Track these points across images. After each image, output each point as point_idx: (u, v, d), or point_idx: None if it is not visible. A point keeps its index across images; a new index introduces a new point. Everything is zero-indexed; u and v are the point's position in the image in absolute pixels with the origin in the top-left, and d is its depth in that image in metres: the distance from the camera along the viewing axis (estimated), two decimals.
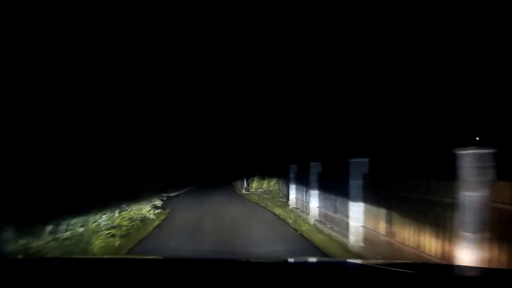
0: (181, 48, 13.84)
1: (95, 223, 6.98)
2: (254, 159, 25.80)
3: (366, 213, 7.11)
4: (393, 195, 6.00)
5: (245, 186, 25.16)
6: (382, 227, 6.44)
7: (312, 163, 10.69)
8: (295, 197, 13.66)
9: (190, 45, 13.88)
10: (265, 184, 23.25)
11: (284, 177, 19.03)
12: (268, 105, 20.17)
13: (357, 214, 7.30)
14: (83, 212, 6.54)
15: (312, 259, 3.69)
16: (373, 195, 6.80)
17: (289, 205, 13.98)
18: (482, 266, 3.73)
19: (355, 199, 7.32)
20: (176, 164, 28.66)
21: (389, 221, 6.16)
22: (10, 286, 1.46)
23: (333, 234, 8.50)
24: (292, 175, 13.96)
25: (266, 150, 23.74)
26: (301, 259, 3.64)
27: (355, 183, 7.32)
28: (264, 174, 23.70)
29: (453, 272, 2.13)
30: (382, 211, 6.41)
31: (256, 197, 18.90)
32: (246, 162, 26.72)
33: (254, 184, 24.49)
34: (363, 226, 7.15)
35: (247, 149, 26.61)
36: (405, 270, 1.73)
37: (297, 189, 13.41)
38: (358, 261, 2.76)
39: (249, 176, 25.63)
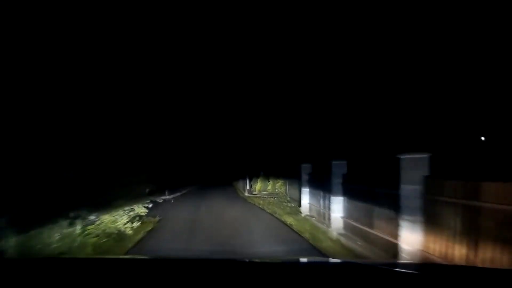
0: (183, 43, 13.39)
1: (38, 247, 4.91)
2: (257, 158, 23.70)
3: (427, 231, 5.03)
4: (484, 207, 3.93)
5: (247, 187, 23.06)
6: (457, 253, 4.37)
7: (334, 162, 8.59)
8: (309, 203, 11.56)
9: (191, 40, 13.39)
10: (269, 185, 21.17)
11: (292, 178, 16.94)
12: (274, 97, 18.07)
13: (411, 233, 5.22)
14: (14, 230, 4.47)
15: (314, 259, 3.85)
16: (442, 207, 4.71)
17: (301, 212, 11.88)
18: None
19: (409, 212, 5.23)
20: (174, 164, 26.77)
21: (473, 245, 4.09)
22: (9, 286, 1.45)
23: (369, 255, 6.43)
24: (304, 176, 11.86)
25: (271, 147, 21.63)
26: (302, 259, 3.65)
27: (409, 190, 5.23)
28: (269, 174, 21.60)
29: (453, 272, 2.02)
30: (459, 230, 4.34)
31: (261, 201, 16.79)
32: (248, 160, 24.59)
33: (258, 186, 22.42)
34: (423, 251, 5.06)
35: (249, 146, 24.49)
36: (405, 270, 1.83)
37: (311, 193, 11.30)
38: (359, 261, 3.30)
39: (252, 176, 23.54)
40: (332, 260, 3.84)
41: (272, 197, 18.62)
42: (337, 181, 8.43)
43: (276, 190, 19.98)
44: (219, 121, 27.15)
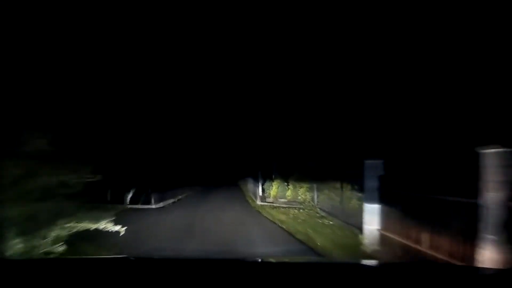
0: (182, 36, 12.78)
1: None
2: (272, 152, 18.83)
3: None
4: None
5: (259, 193, 18.16)
6: None
7: (489, 151, 3.69)
8: (380, 230, 6.64)
9: (191, 33, 12.75)
10: (289, 190, 16.25)
11: (325, 180, 12.17)
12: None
13: None
14: None
15: (314, 259, 4.25)
16: None
17: (362, 243, 6.97)
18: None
19: None
20: (172, 164, 22.46)
21: None
22: (10, 286, 1.47)
23: None
24: (370, 182, 6.86)
25: (291, 136, 16.70)
26: (302, 259, 3.76)
27: None
28: (287, 174, 16.69)
29: (454, 272, 2.06)
30: None
31: (282, 216, 11.90)
32: (260, 156, 19.72)
33: (273, 191, 17.50)
34: None
35: (261, 136, 19.56)
36: (407, 271, 1.85)
37: (389, 213, 6.35)
38: (360, 261, 3.17)
39: (266, 177, 18.69)
40: (333, 260, 4.25)
41: (296, 208, 13.77)
42: (495, 201, 3.51)
43: (299, 197, 15.12)
44: (224, 109, 22.49)
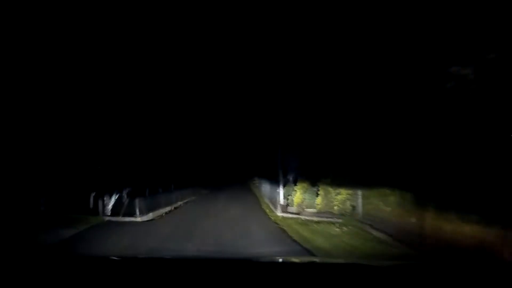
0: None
1: None
2: (296, 145, 15.02)
3: None
4: None
5: (280, 200, 14.27)
6: None
7: None
8: None
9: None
10: (319, 198, 12.35)
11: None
12: None
13: None
14: None
15: (313, 259, 4.36)
16: None
17: None
18: None
19: None
20: (170, 163, 20.01)
21: None
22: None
23: None
24: None
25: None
26: (302, 258, 3.84)
27: None
28: (316, 175, 12.87)
29: (452, 272, 1.98)
30: None
31: (320, 239, 8.12)
32: (279, 151, 15.89)
33: (296, 197, 13.63)
34: None
35: (281, 122, 15.73)
36: (407, 271, 1.84)
37: None
38: (361, 261, 3.11)
39: (287, 179, 14.92)
40: (332, 260, 4.14)
41: (331, 222, 10.09)
42: None
43: (335, 207, 11.34)
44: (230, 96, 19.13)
